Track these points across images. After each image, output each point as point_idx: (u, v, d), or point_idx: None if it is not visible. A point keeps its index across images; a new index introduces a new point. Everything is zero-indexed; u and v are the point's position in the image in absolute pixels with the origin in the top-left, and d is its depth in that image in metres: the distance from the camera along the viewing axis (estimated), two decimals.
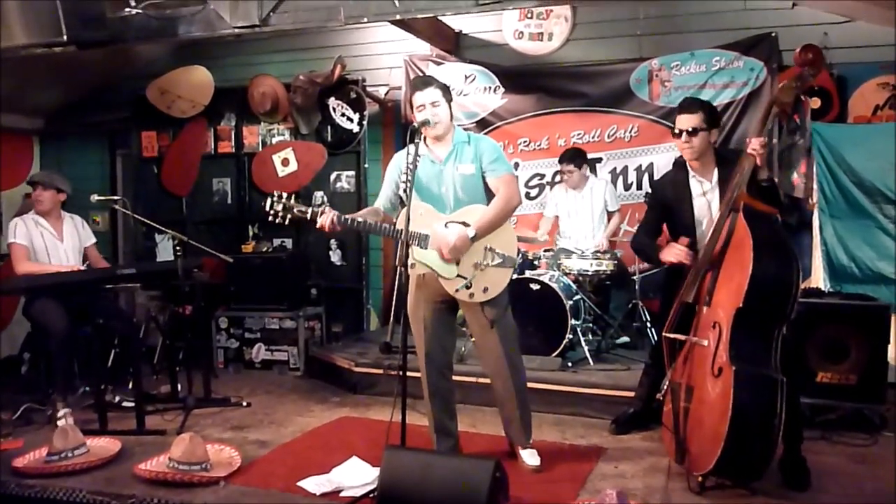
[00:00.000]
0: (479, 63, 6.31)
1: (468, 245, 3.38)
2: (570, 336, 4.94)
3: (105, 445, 3.90)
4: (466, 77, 6.30)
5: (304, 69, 6.52)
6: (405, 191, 3.37)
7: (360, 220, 3.41)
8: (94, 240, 5.16)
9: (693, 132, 3.49)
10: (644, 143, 5.92)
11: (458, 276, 3.42)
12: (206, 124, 6.98)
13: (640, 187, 5.92)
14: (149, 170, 7.17)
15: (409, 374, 3.14)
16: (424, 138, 3.52)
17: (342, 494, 3.30)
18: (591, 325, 5.38)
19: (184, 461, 3.48)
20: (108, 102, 7.29)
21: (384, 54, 6.61)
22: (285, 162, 6.73)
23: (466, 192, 3.52)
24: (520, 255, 5.09)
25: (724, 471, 3.11)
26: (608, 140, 6.00)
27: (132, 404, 4.47)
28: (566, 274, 5.29)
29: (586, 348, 5.04)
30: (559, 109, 6.14)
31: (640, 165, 5.95)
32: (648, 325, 5.34)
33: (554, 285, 4.95)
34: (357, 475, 3.46)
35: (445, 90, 3.53)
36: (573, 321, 4.95)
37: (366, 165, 6.62)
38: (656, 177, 5.64)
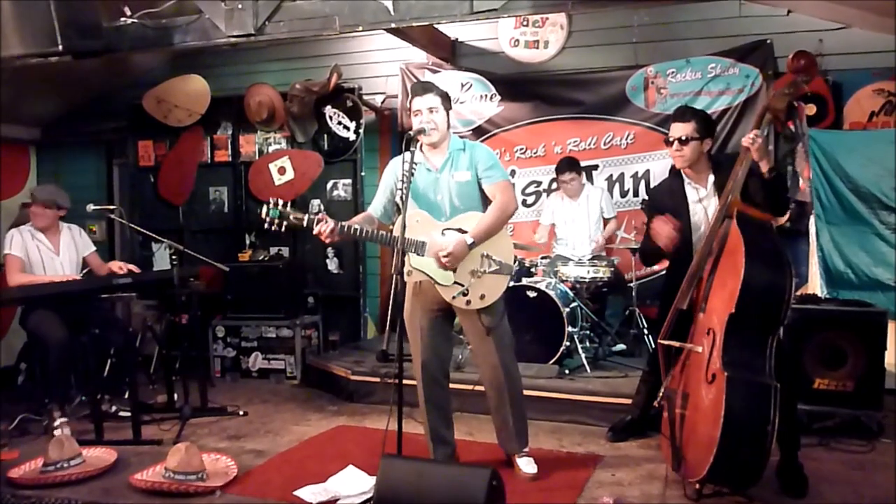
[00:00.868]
0: (476, 71, 6.33)
1: (466, 252, 3.38)
2: (567, 343, 4.94)
3: (101, 455, 3.89)
4: (463, 85, 6.31)
5: (301, 78, 6.52)
6: (402, 198, 3.35)
7: (356, 227, 3.40)
8: (93, 248, 5.15)
9: (684, 141, 3.50)
10: (640, 151, 5.93)
11: (455, 283, 3.41)
12: (202, 133, 6.99)
13: (636, 194, 5.93)
14: (145, 179, 7.18)
15: (405, 382, 3.14)
16: (421, 146, 3.52)
17: None
18: (588, 332, 5.37)
19: (180, 471, 3.47)
20: (105, 112, 7.30)
21: (380, 63, 6.63)
22: (282, 170, 6.73)
23: (462, 200, 3.52)
24: (516, 263, 5.09)
25: (718, 477, 3.10)
26: (604, 147, 6.01)
27: (128, 414, 4.45)
28: (563, 281, 5.29)
29: (583, 356, 5.03)
30: (555, 117, 6.15)
31: (637, 172, 5.96)
32: (645, 332, 5.34)
33: (551, 293, 4.94)
34: (353, 484, 3.46)
35: (445, 98, 3.53)
36: (570, 328, 4.94)
37: (362, 174, 6.62)
38: (653, 184, 5.66)
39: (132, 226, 5.54)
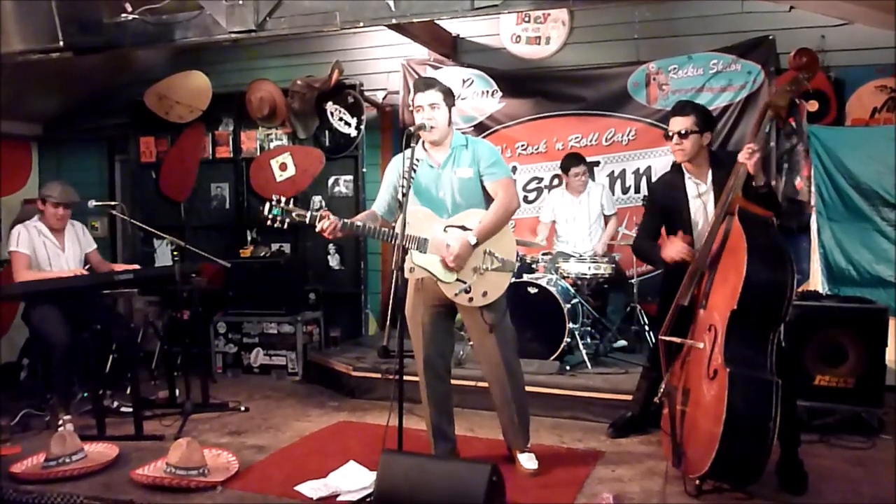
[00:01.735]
0: (477, 67, 6.31)
1: (470, 252, 3.39)
2: (568, 340, 4.94)
3: (103, 451, 3.90)
4: (464, 81, 6.30)
5: (302, 74, 6.53)
6: (404, 195, 3.36)
7: (359, 224, 3.40)
8: (94, 246, 5.15)
9: (684, 135, 3.50)
10: (642, 147, 5.92)
11: (458, 280, 3.42)
12: (204, 129, 7.00)
13: (637, 191, 5.92)
14: (147, 175, 7.19)
15: (406, 378, 3.15)
16: (423, 142, 3.52)
17: (339, 499, 3.30)
18: (589, 328, 5.37)
19: (181, 466, 3.48)
20: (107, 108, 7.31)
21: (382, 59, 6.63)
22: (283, 167, 6.73)
23: (464, 196, 3.52)
24: (518, 259, 5.09)
25: (720, 473, 3.10)
26: (606, 143, 6.01)
27: (130, 409, 4.47)
28: (564, 277, 5.29)
29: (584, 352, 5.04)
30: (557, 113, 6.14)
31: (638, 169, 5.95)
32: (647, 328, 5.34)
33: (552, 289, 4.95)
34: (354, 479, 3.46)
35: (447, 94, 3.52)
36: (571, 325, 4.94)
37: (364, 170, 6.62)
38: (654, 180, 5.65)
39: (134, 222, 5.55)
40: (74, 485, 3.52)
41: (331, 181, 6.70)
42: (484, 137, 6.12)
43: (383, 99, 6.63)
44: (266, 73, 6.78)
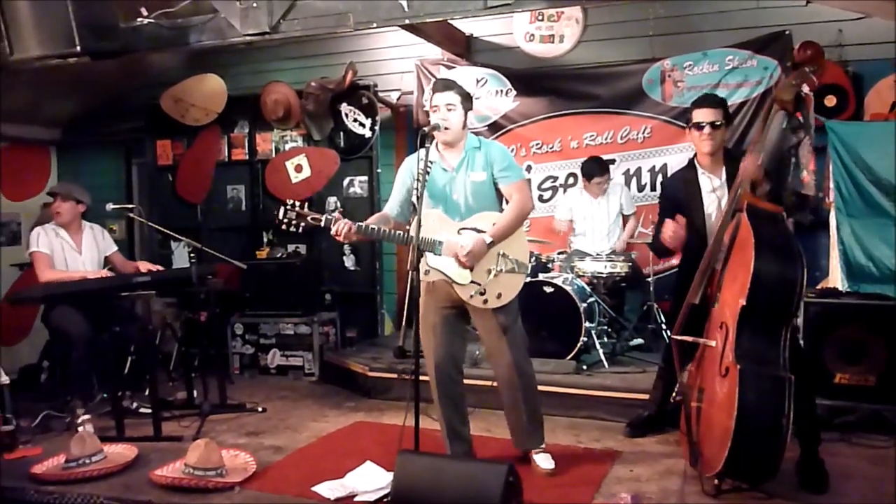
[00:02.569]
0: (491, 66, 6.31)
1: (485, 251, 3.39)
2: (585, 339, 4.92)
3: (122, 452, 3.93)
4: (478, 81, 6.29)
5: (316, 76, 6.55)
6: (418, 197, 3.37)
7: (373, 226, 3.41)
8: (115, 248, 5.21)
9: (717, 126, 3.51)
10: (657, 144, 5.89)
11: (472, 282, 3.42)
12: (219, 132, 7.04)
13: (653, 188, 5.88)
14: (164, 178, 7.24)
15: (422, 378, 3.16)
16: (436, 144, 3.53)
17: (356, 499, 3.31)
18: (605, 327, 5.34)
19: (199, 467, 3.50)
20: (123, 112, 7.37)
21: (395, 59, 6.64)
22: (298, 168, 6.76)
23: (477, 200, 3.53)
24: (533, 258, 5.08)
25: (734, 471, 3.08)
26: (621, 141, 5.98)
27: (149, 411, 4.50)
28: (580, 276, 5.27)
29: (601, 351, 5.01)
30: (571, 111, 6.12)
31: (654, 166, 5.92)
32: (663, 327, 5.31)
33: (568, 288, 4.93)
34: (371, 480, 3.47)
35: (465, 97, 3.52)
36: (587, 324, 4.92)
37: (378, 170, 6.63)
38: (668, 177, 5.62)
39: (151, 224, 5.60)
40: (94, 485, 3.55)
41: (346, 182, 6.72)
42: (498, 136, 6.12)
43: (397, 99, 6.63)
44: (280, 75, 6.81)
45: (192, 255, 4.94)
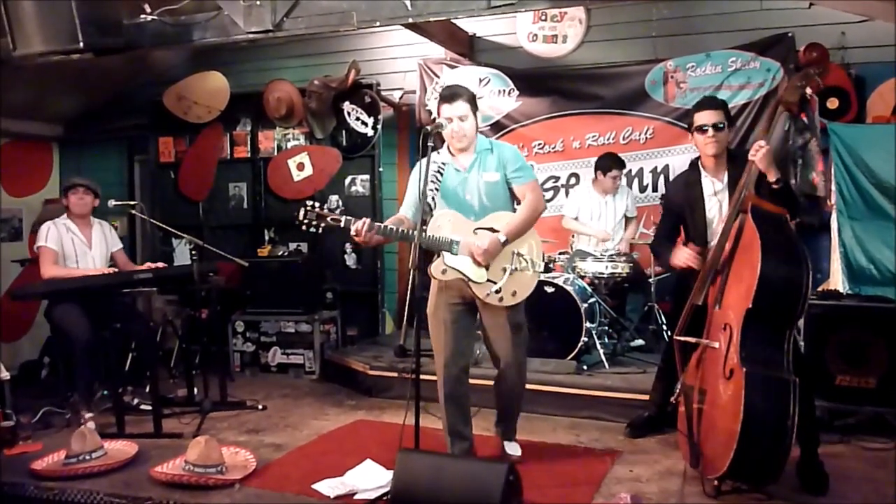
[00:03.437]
0: (494, 66, 6.31)
1: (500, 249, 3.44)
2: (586, 339, 4.92)
3: (122, 448, 3.93)
4: (481, 80, 6.30)
5: (319, 74, 6.55)
6: (433, 198, 3.45)
7: (392, 227, 3.44)
8: (120, 245, 5.22)
9: (720, 128, 3.51)
10: (659, 145, 5.89)
11: (488, 280, 3.46)
12: (222, 130, 7.03)
13: (655, 189, 5.89)
14: (166, 175, 7.24)
15: (423, 377, 3.15)
16: (447, 147, 3.59)
17: (356, 497, 3.31)
18: (606, 328, 5.35)
19: (200, 464, 3.50)
20: (126, 109, 7.37)
21: (398, 58, 6.64)
22: (300, 166, 6.76)
23: (491, 200, 3.57)
24: (545, 259, 5.09)
25: (738, 473, 3.07)
26: (623, 142, 5.98)
27: (149, 408, 4.50)
28: (581, 277, 5.27)
29: (601, 351, 5.01)
30: (574, 112, 6.13)
31: (656, 167, 5.92)
32: (664, 327, 5.31)
33: (569, 288, 4.93)
34: (371, 478, 3.47)
35: (473, 102, 3.55)
36: (588, 324, 4.92)
37: (380, 169, 6.63)
38: (671, 179, 5.62)
39: (153, 221, 5.61)
40: (95, 482, 3.55)
41: (348, 181, 6.72)
42: (500, 136, 6.13)
43: (400, 98, 6.64)
44: (283, 73, 6.81)
45: (193, 252, 4.94)
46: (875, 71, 5.24)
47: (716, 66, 5.64)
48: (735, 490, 3.21)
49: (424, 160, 3.29)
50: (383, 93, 6.56)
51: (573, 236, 5.73)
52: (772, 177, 3.26)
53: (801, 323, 4.16)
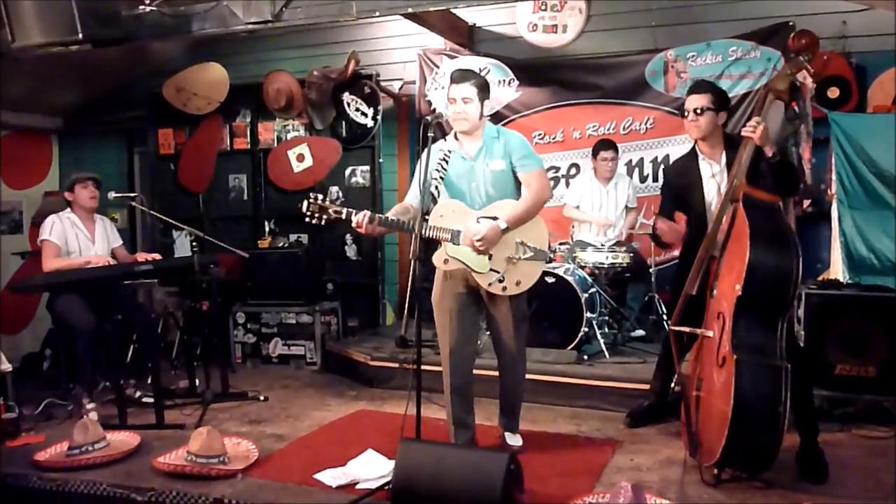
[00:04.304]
0: (493, 56, 6.29)
1: (499, 235, 3.41)
2: (586, 329, 4.93)
3: (125, 439, 3.94)
4: (480, 70, 6.22)
5: (318, 65, 6.54)
6: (436, 187, 3.43)
7: (394, 218, 3.43)
8: (120, 241, 5.21)
9: (699, 112, 3.52)
10: (660, 135, 5.88)
11: (491, 269, 3.45)
12: (221, 121, 7.02)
13: (655, 179, 5.88)
14: (166, 167, 7.23)
15: (424, 367, 3.16)
16: (455, 133, 3.56)
17: (358, 487, 3.32)
18: (606, 318, 5.36)
19: (202, 454, 3.51)
20: (125, 101, 7.37)
21: (398, 49, 6.62)
22: (300, 158, 6.75)
23: (496, 188, 3.54)
24: (550, 249, 5.09)
25: (732, 460, 3.09)
26: (623, 132, 5.97)
27: (151, 399, 4.51)
28: (582, 267, 5.27)
29: (602, 341, 5.02)
30: (574, 102, 6.11)
31: (656, 157, 5.91)
32: (664, 317, 5.31)
33: (569, 278, 4.93)
34: (372, 468, 3.48)
35: (482, 88, 3.52)
36: (589, 314, 4.93)
37: (380, 160, 6.62)
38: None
39: (153, 213, 5.60)
40: (97, 473, 3.55)
41: (348, 172, 6.71)
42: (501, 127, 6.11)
43: (399, 89, 6.62)
44: (283, 64, 6.80)
45: (194, 244, 4.94)
46: (876, 60, 5.23)
47: (716, 56, 5.62)
48: (735, 478, 3.22)
49: (434, 147, 3.28)
50: (383, 83, 6.55)
51: (573, 226, 5.73)
52: (769, 151, 3.27)
53: (800, 312, 4.19)
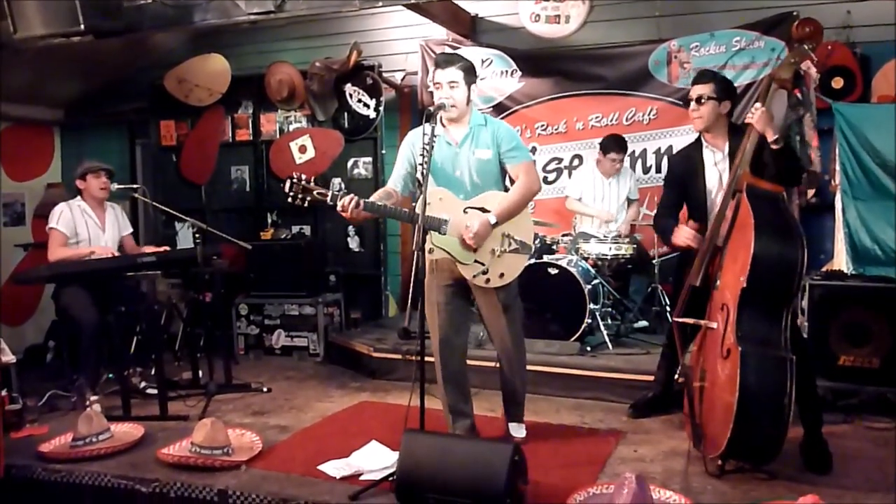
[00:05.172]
0: (496, 47, 6.27)
1: (490, 232, 3.40)
2: (589, 320, 4.93)
3: (129, 431, 3.95)
4: (483, 61, 6.25)
5: (321, 56, 6.52)
6: (422, 174, 3.35)
7: (379, 203, 3.40)
8: (130, 229, 5.23)
9: (701, 101, 3.52)
10: (663, 126, 5.86)
11: (476, 261, 3.43)
12: (223, 112, 7.01)
13: (658, 170, 5.86)
14: (168, 159, 7.23)
15: (427, 359, 3.17)
16: (440, 118, 3.51)
17: (362, 478, 3.32)
18: (609, 309, 5.35)
19: (206, 446, 3.51)
20: (127, 92, 7.35)
21: (400, 40, 6.59)
22: (303, 149, 6.74)
23: (482, 177, 3.52)
24: (538, 240, 5.08)
25: (737, 452, 3.09)
26: (626, 123, 5.95)
27: (155, 391, 4.52)
28: (585, 258, 5.27)
29: (605, 332, 5.02)
30: (577, 93, 6.09)
31: (659, 148, 5.90)
32: (668, 308, 5.31)
33: (572, 269, 4.92)
34: (376, 459, 3.48)
35: (468, 72, 3.48)
36: (592, 305, 4.93)
37: (383, 151, 6.61)
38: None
39: (156, 205, 5.59)
40: (102, 464, 3.57)
41: (350, 163, 6.70)
42: (503, 118, 6.09)
43: (402, 80, 6.60)
44: (285, 55, 6.78)
45: (196, 235, 4.94)
46: (880, 50, 5.20)
47: (720, 46, 5.59)
48: (738, 469, 3.22)
49: (417, 132, 3.24)
50: (385, 74, 6.53)
51: (576, 218, 5.72)
52: (770, 136, 3.25)
53: (804, 303, 4.19)
